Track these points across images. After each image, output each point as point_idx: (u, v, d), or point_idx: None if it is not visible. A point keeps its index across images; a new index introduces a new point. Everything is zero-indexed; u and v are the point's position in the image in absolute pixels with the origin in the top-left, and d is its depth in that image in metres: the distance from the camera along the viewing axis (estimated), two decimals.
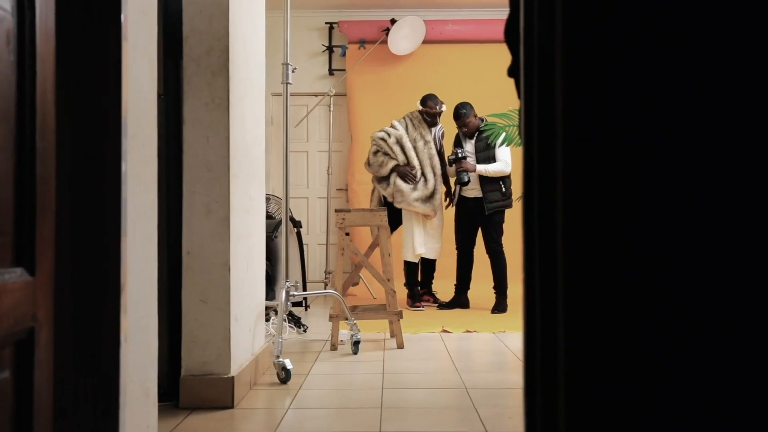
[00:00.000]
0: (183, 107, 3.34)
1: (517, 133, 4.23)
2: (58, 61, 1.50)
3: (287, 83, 4.27)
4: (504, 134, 5.70)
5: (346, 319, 4.66)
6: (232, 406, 3.27)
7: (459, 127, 6.42)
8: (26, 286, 1.35)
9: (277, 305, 5.15)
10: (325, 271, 7.72)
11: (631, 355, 1.24)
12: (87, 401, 1.61)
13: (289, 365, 3.75)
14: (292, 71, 4.29)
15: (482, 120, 6.36)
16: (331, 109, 7.73)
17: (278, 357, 3.78)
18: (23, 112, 1.36)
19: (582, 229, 1.30)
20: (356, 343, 4.54)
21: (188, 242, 3.31)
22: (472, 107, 6.37)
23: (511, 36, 1.86)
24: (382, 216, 4.83)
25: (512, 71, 1.88)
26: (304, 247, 7.07)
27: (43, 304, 1.42)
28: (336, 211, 4.88)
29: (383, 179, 6.43)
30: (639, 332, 1.23)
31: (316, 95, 8.03)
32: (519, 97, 1.88)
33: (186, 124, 3.33)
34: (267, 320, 5.11)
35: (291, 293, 4.20)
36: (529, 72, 1.45)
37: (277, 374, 3.77)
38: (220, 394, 3.27)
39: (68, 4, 1.51)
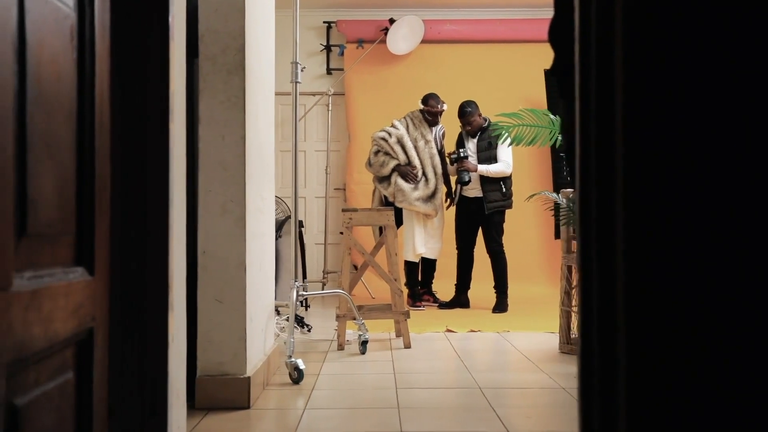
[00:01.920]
0: (198, 106, 3.32)
1: (526, 133, 4.24)
2: (111, 58, 1.49)
3: (296, 82, 4.26)
4: (507, 135, 5.72)
5: (353, 319, 4.65)
6: (248, 407, 3.25)
7: (463, 125, 6.43)
8: (87, 286, 1.34)
9: (284, 305, 5.15)
10: (323, 271, 7.70)
11: (701, 359, 1.23)
12: (134, 401, 1.60)
13: (301, 365, 3.74)
14: (302, 70, 4.28)
15: (486, 120, 6.37)
16: (330, 108, 7.71)
17: (290, 357, 3.77)
18: (83, 110, 1.35)
19: (645, 232, 1.28)
20: (364, 343, 4.53)
21: (204, 241, 3.29)
22: (477, 106, 6.38)
23: (555, 36, 1.87)
24: (389, 215, 4.83)
25: (555, 70, 1.89)
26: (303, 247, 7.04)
27: (101, 305, 1.41)
28: (343, 210, 4.87)
29: (384, 179, 6.43)
30: (707, 335, 1.23)
31: (313, 94, 8.01)
32: (561, 95, 1.89)
33: (201, 122, 3.31)
34: None
35: (301, 293, 4.19)
36: (585, 68, 1.43)
37: (290, 374, 3.75)
38: (236, 395, 3.25)
39: (120, 2, 1.50)
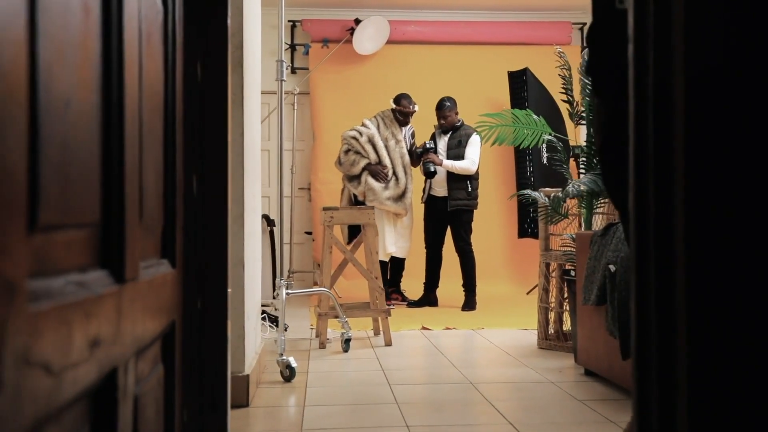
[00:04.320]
0: None
1: (509, 133, 4.32)
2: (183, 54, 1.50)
3: (281, 80, 4.26)
4: (476, 135, 5.85)
5: (335, 317, 4.67)
6: (247, 405, 3.25)
7: (438, 118, 6.50)
8: (172, 278, 1.35)
9: (267, 304, 5.14)
10: (288, 270, 7.68)
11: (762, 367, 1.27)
12: (195, 395, 1.61)
13: (293, 363, 3.75)
14: (287, 69, 4.29)
15: (460, 120, 6.46)
16: (295, 107, 7.70)
17: (281, 355, 3.77)
18: (167, 105, 1.35)
19: (706, 235, 1.33)
20: (347, 341, 4.56)
21: None
22: (455, 103, 6.46)
23: (593, 38, 1.94)
24: (370, 214, 4.87)
25: (590, 69, 1.96)
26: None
27: (179, 298, 1.42)
28: (324, 209, 4.89)
29: (354, 178, 6.45)
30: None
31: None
32: (597, 94, 1.96)
33: None
34: None
35: (287, 291, 4.19)
36: (640, 66, 1.47)
37: (281, 372, 3.76)
38: (235, 393, 3.23)
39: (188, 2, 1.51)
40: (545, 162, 7.33)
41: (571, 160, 4.85)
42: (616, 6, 1.74)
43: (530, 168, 7.37)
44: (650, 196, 1.47)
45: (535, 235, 7.34)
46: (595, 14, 1.89)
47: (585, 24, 8.16)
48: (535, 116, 4.30)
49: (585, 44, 2.36)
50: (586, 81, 4.07)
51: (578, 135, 4.91)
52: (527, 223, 7.44)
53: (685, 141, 1.39)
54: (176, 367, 1.39)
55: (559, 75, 4.15)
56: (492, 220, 7.61)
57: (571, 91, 4.18)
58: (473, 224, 6.57)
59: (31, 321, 0.64)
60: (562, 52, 4.23)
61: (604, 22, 1.86)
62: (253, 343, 3.62)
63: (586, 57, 4.16)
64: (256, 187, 3.78)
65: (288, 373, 3.74)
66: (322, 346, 4.70)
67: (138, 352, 1.07)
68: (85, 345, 0.80)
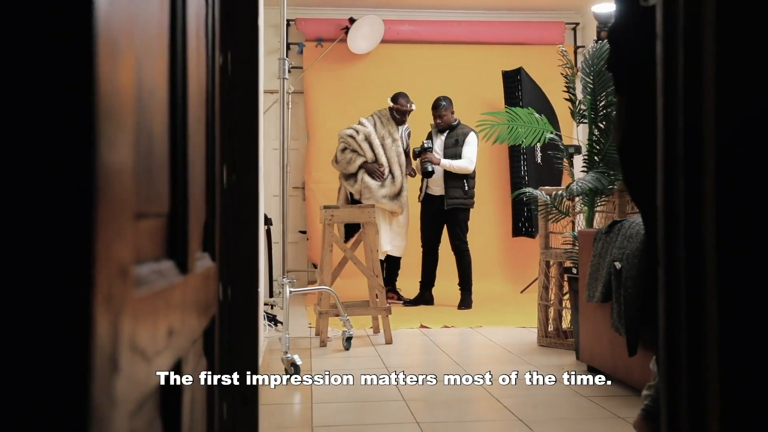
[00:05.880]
0: None
1: (507, 131, 4.34)
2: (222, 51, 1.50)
3: (284, 78, 4.27)
4: (473, 134, 5.86)
5: (336, 315, 4.68)
6: None
7: (434, 117, 6.52)
8: (213, 272, 1.35)
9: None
10: (284, 269, 7.65)
11: None
12: (226, 388, 1.61)
13: (298, 361, 3.75)
14: (289, 71, 4.29)
15: (456, 120, 6.48)
16: (289, 106, 7.68)
17: (286, 353, 3.77)
18: (208, 102, 1.36)
19: (738, 232, 1.33)
20: (348, 339, 4.56)
21: None
22: (451, 103, 6.49)
23: (616, 36, 1.96)
24: (371, 213, 4.88)
25: (611, 66, 1.99)
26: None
27: (217, 292, 1.42)
28: (324, 207, 4.89)
29: (350, 176, 6.46)
30: None
31: (272, 92, 7.96)
32: (617, 91, 1.98)
33: None
34: None
35: (291, 290, 4.20)
36: (670, 64, 1.48)
37: (286, 370, 3.76)
38: None
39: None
40: (539, 161, 7.37)
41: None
42: (640, 3, 1.76)
43: (524, 167, 7.41)
44: (680, 194, 1.48)
45: (529, 234, 7.38)
46: (618, 11, 1.91)
47: (578, 24, 8.20)
48: (537, 115, 4.32)
49: (607, 41, 2.39)
50: (588, 80, 4.10)
51: (574, 133, 4.94)
52: (521, 222, 7.47)
53: (716, 139, 1.40)
54: (216, 360, 1.39)
55: (562, 74, 4.18)
56: (486, 219, 7.63)
57: (574, 89, 4.20)
58: (470, 223, 6.59)
59: (136, 307, 0.64)
60: (565, 51, 4.25)
61: (627, 20, 1.88)
62: (260, 341, 3.61)
63: (587, 55, 4.18)
64: (260, 186, 3.78)
65: (293, 371, 3.74)
66: (323, 344, 4.70)
67: (193, 343, 1.08)
68: (165, 333, 0.80)
